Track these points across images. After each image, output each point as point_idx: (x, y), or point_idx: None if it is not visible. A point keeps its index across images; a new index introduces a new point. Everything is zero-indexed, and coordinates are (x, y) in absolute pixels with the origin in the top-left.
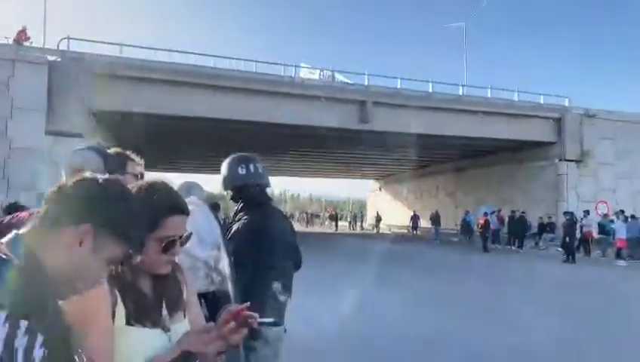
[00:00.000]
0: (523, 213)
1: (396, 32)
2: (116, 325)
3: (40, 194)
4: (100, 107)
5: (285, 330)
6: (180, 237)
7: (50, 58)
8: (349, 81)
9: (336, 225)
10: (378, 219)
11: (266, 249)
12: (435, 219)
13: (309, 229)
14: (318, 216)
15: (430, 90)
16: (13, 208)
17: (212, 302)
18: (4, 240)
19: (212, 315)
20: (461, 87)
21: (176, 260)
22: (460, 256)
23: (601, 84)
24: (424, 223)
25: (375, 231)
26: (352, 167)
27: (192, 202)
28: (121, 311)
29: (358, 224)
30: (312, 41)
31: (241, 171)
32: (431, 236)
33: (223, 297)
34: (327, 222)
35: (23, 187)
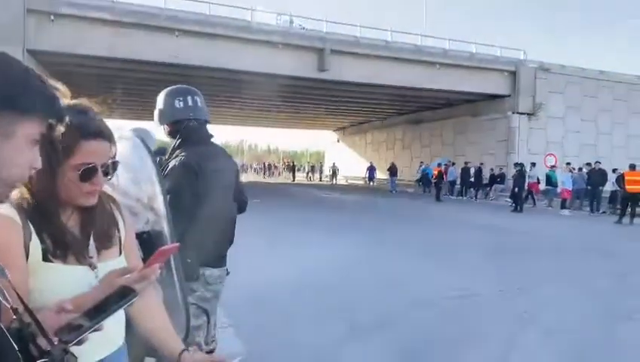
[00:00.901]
0: (466, 163)
1: None
2: (30, 261)
3: None
4: (39, 47)
5: (228, 273)
6: (103, 165)
7: None
8: (307, 27)
9: (294, 176)
10: (334, 170)
11: (203, 188)
12: (392, 171)
13: (267, 180)
14: (276, 166)
15: (390, 40)
16: None
17: (146, 243)
18: None
19: (146, 256)
20: (420, 37)
21: (110, 193)
22: (414, 205)
23: (555, 36)
24: (381, 175)
25: (333, 182)
26: (311, 117)
27: (122, 137)
28: (36, 246)
29: (316, 175)
30: None
31: (179, 105)
32: (387, 187)
33: (157, 237)
34: (284, 173)
35: None
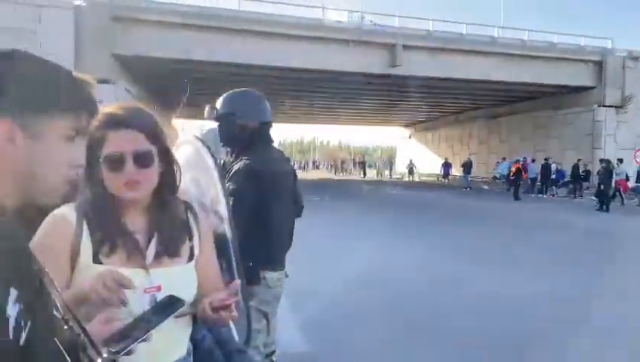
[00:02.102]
0: (546, 159)
1: None
2: (81, 261)
3: None
4: (124, 52)
5: (287, 275)
6: (134, 154)
7: (76, 2)
8: (378, 23)
9: (364, 173)
10: (411, 167)
11: (266, 192)
12: (466, 167)
13: (338, 177)
14: (345, 163)
15: (464, 33)
16: None
17: None
18: None
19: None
20: (497, 29)
21: (195, 206)
22: (489, 203)
23: None
24: (455, 171)
25: (409, 179)
26: (382, 114)
27: (186, 140)
28: (87, 246)
29: (386, 172)
30: None
31: (244, 107)
32: (462, 184)
33: (219, 240)
34: (355, 170)
35: None
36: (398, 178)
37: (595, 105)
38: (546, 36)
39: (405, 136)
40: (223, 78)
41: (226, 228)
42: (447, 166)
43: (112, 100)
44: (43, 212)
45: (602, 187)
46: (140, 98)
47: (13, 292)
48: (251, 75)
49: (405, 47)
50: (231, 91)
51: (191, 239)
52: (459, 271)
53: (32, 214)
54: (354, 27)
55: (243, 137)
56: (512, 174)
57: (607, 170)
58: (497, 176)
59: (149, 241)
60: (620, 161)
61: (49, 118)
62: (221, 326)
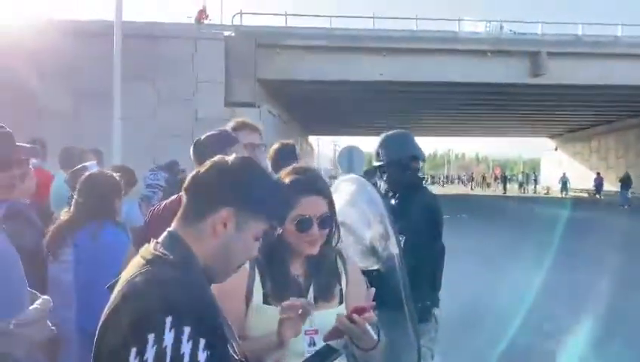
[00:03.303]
0: None
1: None
2: (253, 302)
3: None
4: (267, 76)
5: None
6: (319, 218)
7: (226, 33)
8: (518, 32)
9: (505, 188)
10: (564, 181)
11: (438, 229)
12: (624, 182)
13: (474, 192)
14: (484, 177)
15: (619, 35)
16: (172, 165)
17: (376, 280)
18: (161, 238)
19: (376, 294)
20: None
21: (340, 246)
22: None
23: None
24: (609, 186)
25: (562, 194)
26: (523, 124)
27: (350, 179)
28: (258, 289)
29: (530, 186)
30: None
31: (411, 150)
32: (618, 201)
33: (389, 275)
34: (494, 184)
35: None
36: (545, 193)
37: None
38: None
39: (550, 148)
40: (355, 96)
41: (396, 263)
42: (600, 180)
43: (256, 122)
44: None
45: None
46: (283, 120)
47: (202, 341)
48: (382, 90)
49: (550, 54)
50: (391, 134)
51: (340, 283)
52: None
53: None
54: (491, 37)
55: (412, 177)
56: None
57: None
58: None
59: (309, 287)
60: None
61: (255, 220)
62: (358, 333)
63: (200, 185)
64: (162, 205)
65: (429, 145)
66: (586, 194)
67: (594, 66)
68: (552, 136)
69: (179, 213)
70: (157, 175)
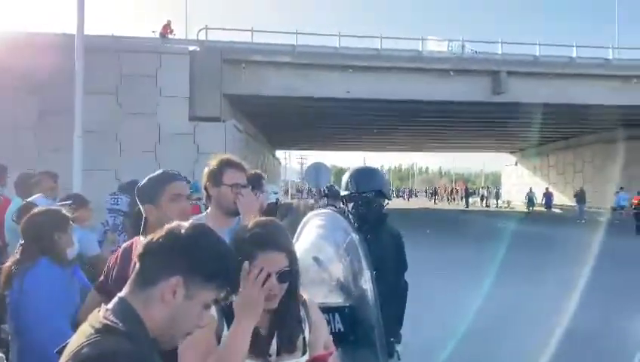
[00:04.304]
0: None
1: None
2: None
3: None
4: (233, 91)
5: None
6: (278, 273)
7: (191, 48)
8: (480, 51)
9: (467, 202)
10: (530, 197)
11: (404, 261)
12: (580, 197)
13: (437, 206)
14: (448, 191)
15: (574, 56)
16: (134, 185)
17: (349, 317)
18: (110, 305)
19: (348, 331)
20: (611, 50)
21: (306, 298)
22: (605, 239)
23: None
24: (567, 200)
25: (530, 209)
26: (485, 140)
27: (324, 213)
28: (226, 336)
29: (492, 201)
30: (440, 11)
31: (371, 184)
32: (575, 215)
33: (361, 311)
34: (457, 199)
35: (170, 169)
36: (506, 207)
37: None
38: None
39: (511, 163)
40: (322, 111)
41: (370, 299)
42: (549, 195)
43: (221, 136)
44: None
45: None
46: (248, 134)
47: None
48: (348, 107)
49: (510, 73)
50: (361, 169)
51: (303, 332)
52: (587, 322)
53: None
54: (454, 57)
55: (378, 213)
56: (634, 207)
57: None
58: (615, 206)
59: (272, 337)
60: None
61: (205, 289)
62: None
63: (152, 253)
64: (130, 244)
65: (394, 159)
66: (545, 209)
67: (551, 85)
68: (512, 152)
69: (131, 278)
70: (118, 199)
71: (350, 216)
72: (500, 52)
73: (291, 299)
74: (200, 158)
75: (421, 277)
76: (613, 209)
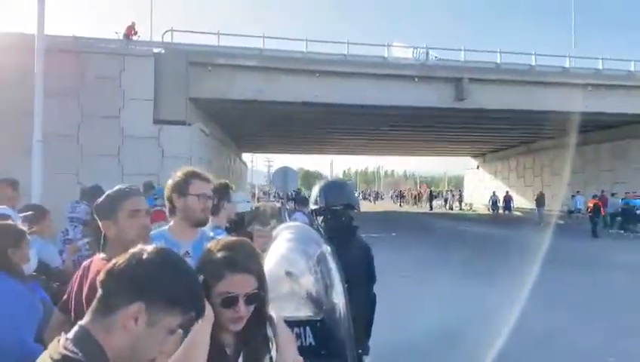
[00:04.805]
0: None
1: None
2: None
3: (147, 182)
4: (199, 95)
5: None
6: (246, 295)
7: (155, 50)
8: (443, 58)
9: (431, 206)
10: (494, 200)
11: (374, 274)
12: (539, 200)
13: (403, 208)
14: (413, 194)
15: (534, 64)
16: (95, 191)
17: (320, 331)
18: (70, 334)
19: (319, 345)
20: (568, 59)
21: (274, 316)
22: (563, 241)
23: None
24: (527, 203)
25: (492, 212)
26: (448, 144)
27: (295, 227)
28: None
29: (455, 203)
30: (404, 18)
31: (340, 197)
32: (534, 218)
33: (333, 324)
34: (421, 201)
35: (134, 173)
36: (468, 210)
37: None
38: (624, 64)
39: (473, 166)
40: (292, 115)
41: (341, 312)
42: (508, 199)
43: (187, 140)
44: None
45: None
46: (214, 137)
47: None
48: (317, 111)
49: (472, 80)
50: (330, 182)
51: (270, 351)
52: (542, 321)
53: None
54: (418, 63)
55: (347, 224)
56: (589, 210)
57: None
58: (572, 209)
59: (238, 356)
60: None
61: (169, 315)
62: None
63: (113, 279)
64: (90, 263)
65: (360, 162)
66: (506, 212)
67: (512, 92)
68: (475, 156)
69: (92, 305)
70: (78, 207)
71: (320, 229)
72: (462, 59)
73: (259, 319)
74: (165, 162)
75: (386, 277)
76: (570, 212)
